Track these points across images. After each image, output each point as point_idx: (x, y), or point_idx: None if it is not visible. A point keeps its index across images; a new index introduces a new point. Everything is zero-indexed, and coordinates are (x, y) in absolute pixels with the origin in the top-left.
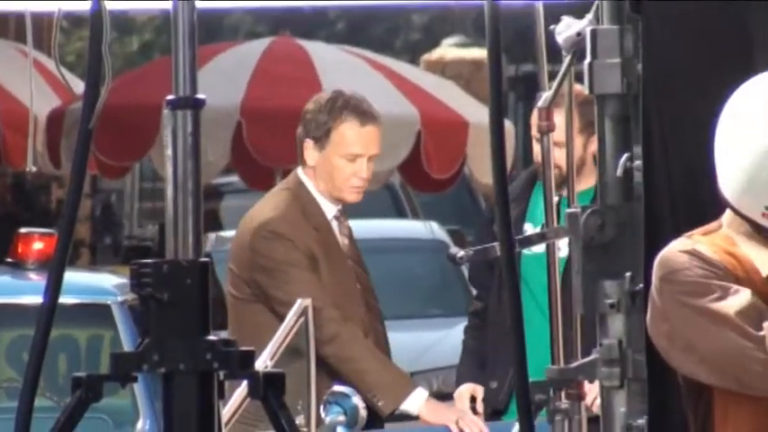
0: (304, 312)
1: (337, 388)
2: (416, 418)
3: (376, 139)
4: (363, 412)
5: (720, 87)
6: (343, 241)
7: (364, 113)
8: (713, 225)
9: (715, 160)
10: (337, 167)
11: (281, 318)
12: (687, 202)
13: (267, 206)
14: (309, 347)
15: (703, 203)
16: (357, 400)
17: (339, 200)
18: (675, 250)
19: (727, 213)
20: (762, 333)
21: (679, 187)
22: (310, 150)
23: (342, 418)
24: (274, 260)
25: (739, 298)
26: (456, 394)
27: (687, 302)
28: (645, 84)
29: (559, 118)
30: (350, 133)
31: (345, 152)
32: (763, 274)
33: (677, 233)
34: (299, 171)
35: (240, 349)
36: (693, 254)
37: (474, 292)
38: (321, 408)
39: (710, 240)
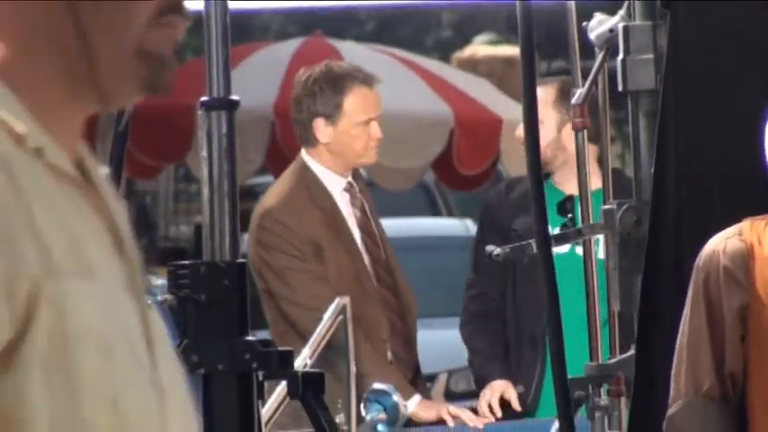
0: (342, 311)
1: (377, 386)
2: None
3: (379, 97)
4: (404, 410)
5: (742, 88)
6: (355, 213)
7: (366, 78)
8: None
9: None
10: (356, 136)
11: (283, 313)
12: (692, 206)
13: (270, 194)
14: (348, 345)
15: (710, 205)
16: (397, 397)
17: (359, 165)
18: (714, 241)
19: None
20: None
21: (686, 190)
22: (322, 128)
23: (382, 415)
24: (274, 253)
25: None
26: (488, 391)
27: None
28: (665, 81)
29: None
30: (361, 100)
31: (361, 119)
32: None
33: (679, 237)
34: (303, 153)
35: (279, 349)
36: (717, 252)
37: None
38: (361, 406)
39: (754, 228)
